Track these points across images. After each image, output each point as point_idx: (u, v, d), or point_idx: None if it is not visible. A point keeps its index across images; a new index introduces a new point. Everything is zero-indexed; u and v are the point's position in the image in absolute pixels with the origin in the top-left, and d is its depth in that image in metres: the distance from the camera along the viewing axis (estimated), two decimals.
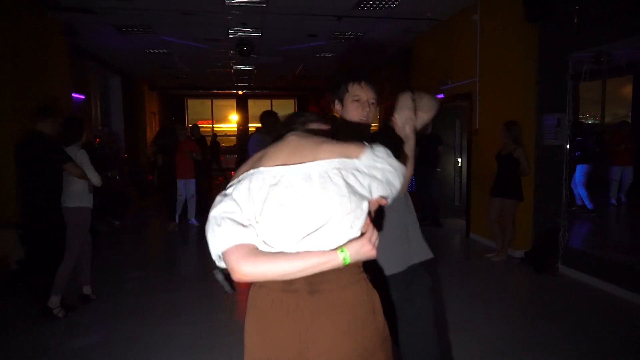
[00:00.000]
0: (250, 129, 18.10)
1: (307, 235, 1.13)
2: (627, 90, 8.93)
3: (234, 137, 18.75)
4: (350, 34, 7.82)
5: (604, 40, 4.30)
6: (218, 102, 18.84)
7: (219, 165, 12.45)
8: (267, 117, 5.22)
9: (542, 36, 5.17)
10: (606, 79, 6.80)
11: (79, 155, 3.74)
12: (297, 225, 1.13)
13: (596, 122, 9.64)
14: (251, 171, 1.22)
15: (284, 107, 19.19)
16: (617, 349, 3.15)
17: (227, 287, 3.84)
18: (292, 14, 6.56)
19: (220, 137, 18.11)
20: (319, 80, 13.69)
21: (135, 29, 7.32)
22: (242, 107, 18.67)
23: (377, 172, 1.19)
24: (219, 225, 1.14)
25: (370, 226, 1.16)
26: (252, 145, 5.13)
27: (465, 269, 5.37)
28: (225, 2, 6.00)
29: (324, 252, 1.10)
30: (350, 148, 1.21)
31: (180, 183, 7.07)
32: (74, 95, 7.37)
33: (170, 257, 6.06)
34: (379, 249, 1.16)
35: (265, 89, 16.69)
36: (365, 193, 1.17)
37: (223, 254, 1.14)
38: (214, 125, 18.65)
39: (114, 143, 9.61)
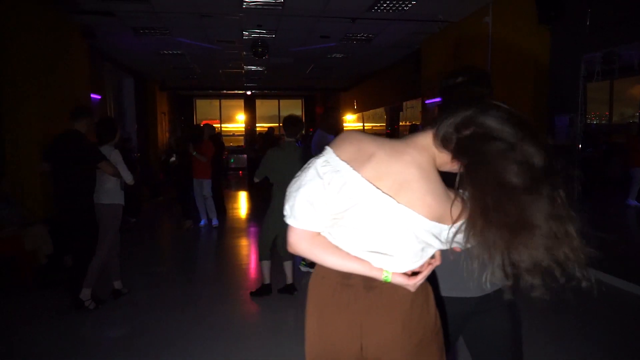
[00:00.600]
0: (257, 129, 18.26)
1: (371, 252, 1.20)
2: (635, 90, 9.02)
3: (241, 137, 18.91)
4: (362, 36, 7.95)
5: (615, 42, 4.41)
6: (226, 102, 19.00)
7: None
8: (331, 112, 5.20)
9: (554, 38, 5.28)
10: (615, 79, 6.89)
11: (113, 155, 3.89)
12: (369, 242, 1.20)
13: (602, 122, 9.73)
14: (352, 173, 1.16)
15: (292, 107, 19.34)
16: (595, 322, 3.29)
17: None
18: (307, 15, 6.70)
19: (228, 137, 18.31)
20: (326, 80, 13.83)
21: (152, 31, 7.47)
22: (249, 107, 18.83)
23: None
24: (299, 203, 1.19)
25: (425, 271, 1.21)
26: (315, 141, 4.88)
27: None
28: (243, 5, 6.14)
29: (373, 267, 1.19)
30: (448, 210, 1.15)
31: (195, 183, 7.17)
32: (92, 95, 7.53)
33: (188, 253, 6.21)
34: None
35: (274, 89, 16.83)
36: (438, 245, 1.22)
37: (290, 227, 1.22)
38: (222, 125, 18.79)
39: (128, 142, 9.78)
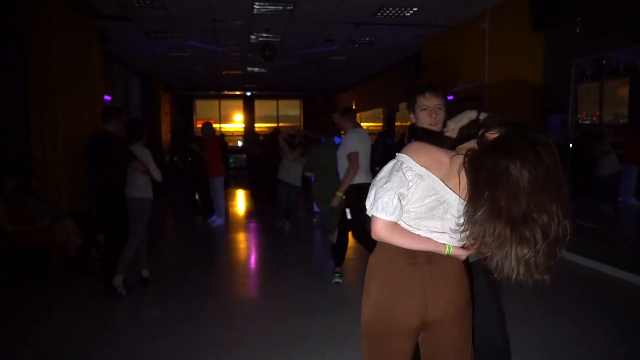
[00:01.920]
0: (256, 129, 18.58)
1: (433, 232, 1.55)
2: (623, 91, 9.43)
3: (239, 137, 19.19)
4: (365, 39, 8.31)
5: (604, 49, 4.80)
6: (225, 103, 19.28)
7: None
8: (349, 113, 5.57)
9: (548, 44, 5.67)
10: (604, 81, 7.29)
11: (144, 154, 4.20)
12: (433, 225, 1.52)
13: (593, 122, 10.14)
14: (432, 177, 1.47)
15: (290, 108, 19.67)
16: (580, 301, 3.67)
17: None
18: (314, 20, 7.05)
19: (227, 137, 18.62)
20: (325, 81, 14.18)
21: (164, 35, 7.78)
22: (248, 107, 19.13)
23: None
24: (388, 200, 1.46)
25: (476, 245, 1.47)
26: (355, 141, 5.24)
27: None
28: (253, 11, 6.47)
29: (438, 243, 1.54)
30: None
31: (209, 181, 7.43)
32: (105, 97, 7.83)
33: (202, 246, 6.52)
34: None
35: (273, 89, 17.14)
36: None
37: (374, 216, 1.52)
38: (221, 125, 19.06)
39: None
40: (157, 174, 4.25)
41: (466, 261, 1.67)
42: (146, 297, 4.27)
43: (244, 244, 6.59)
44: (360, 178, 4.30)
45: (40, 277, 4.64)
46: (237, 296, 4.34)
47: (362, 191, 4.15)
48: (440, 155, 1.50)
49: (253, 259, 5.73)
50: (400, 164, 1.51)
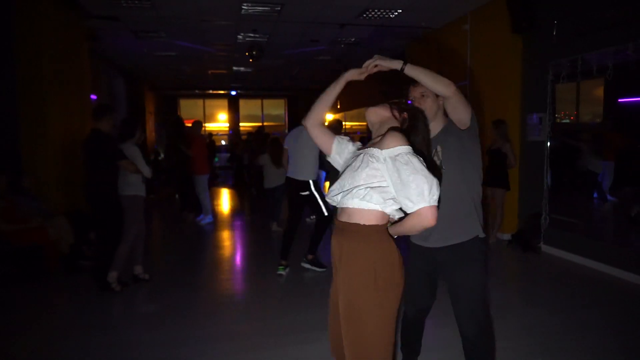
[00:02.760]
0: (241, 128, 18.63)
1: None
2: (599, 91, 9.82)
3: (222, 137, 19.20)
4: (350, 40, 8.48)
5: (579, 51, 5.05)
6: (210, 102, 19.26)
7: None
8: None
9: (526, 45, 5.92)
10: (580, 81, 7.58)
11: (133, 152, 4.26)
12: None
13: (571, 120, 10.52)
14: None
15: (275, 107, 19.76)
16: (584, 300, 3.91)
17: (318, 269, 4.65)
18: (300, 21, 7.18)
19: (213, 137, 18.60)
20: (310, 81, 14.31)
21: (151, 34, 7.82)
22: (233, 106, 19.15)
23: None
24: (434, 187, 1.64)
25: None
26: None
27: None
28: (241, 11, 6.58)
29: None
30: None
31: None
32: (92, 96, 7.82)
33: (193, 244, 6.61)
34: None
35: (258, 89, 17.21)
36: None
37: (431, 207, 1.63)
38: (205, 125, 19.04)
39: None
40: (146, 171, 4.31)
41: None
42: (139, 293, 4.36)
43: (232, 241, 6.70)
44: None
45: (33, 275, 4.68)
46: (227, 291, 4.47)
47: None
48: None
49: (242, 255, 5.86)
50: (410, 154, 1.68)
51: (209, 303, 4.07)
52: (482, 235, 2.24)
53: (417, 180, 1.61)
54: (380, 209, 1.72)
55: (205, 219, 7.61)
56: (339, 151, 2.00)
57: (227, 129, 19.33)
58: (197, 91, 17.09)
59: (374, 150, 1.72)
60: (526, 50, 5.94)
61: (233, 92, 17.70)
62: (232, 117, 19.18)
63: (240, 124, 19.20)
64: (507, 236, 6.10)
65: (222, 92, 17.58)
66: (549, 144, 5.60)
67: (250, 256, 5.86)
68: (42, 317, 3.79)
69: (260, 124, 19.23)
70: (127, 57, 9.83)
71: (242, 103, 19.43)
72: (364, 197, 1.69)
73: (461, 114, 2.12)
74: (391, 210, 1.73)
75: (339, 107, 15.61)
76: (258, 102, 19.66)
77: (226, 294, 4.35)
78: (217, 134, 19.22)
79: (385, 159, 1.68)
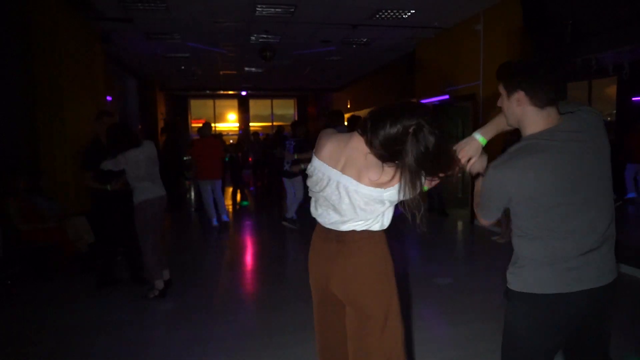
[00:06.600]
0: (251, 128, 18.71)
1: None
2: (611, 90, 9.74)
3: (234, 137, 19.27)
4: (361, 40, 8.50)
5: (592, 51, 5.02)
6: (220, 102, 19.38)
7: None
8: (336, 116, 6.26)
9: (538, 46, 5.89)
10: (592, 80, 7.55)
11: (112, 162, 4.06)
12: None
13: None
14: None
15: (285, 107, 19.82)
16: None
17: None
18: (312, 22, 7.21)
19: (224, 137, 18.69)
20: (320, 81, 14.35)
21: (164, 36, 7.90)
22: (243, 106, 19.24)
23: None
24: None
25: None
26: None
27: (475, 249, 6.10)
28: (256, 13, 6.63)
29: None
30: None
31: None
32: (107, 98, 7.94)
33: (202, 244, 6.67)
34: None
35: (268, 89, 17.28)
36: None
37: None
38: (216, 125, 19.15)
39: None
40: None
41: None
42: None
43: (245, 241, 6.76)
44: None
45: (51, 274, 4.76)
46: (238, 290, 4.53)
47: None
48: None
49: (255, 255, 5.91)
50: None
51: (224, 302, 4.12)
52: None
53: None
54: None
55: (223, 217, 7.52)
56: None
57: (237, 129, 19.43)
58: (207, 92, 17.19)
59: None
60: (538, 50, 5.91)
61: (243, 93, 17.77)
62: (242, 117, 19.27)
63: (251, 124, 19.29)
64: None
65: (232, 92, 17.66)
66: None
67: (261, 255, 5.90)
68: (57, 315, 3.85)
69: (270, 123, 19.32)
70: (140, 59, 9.94)
71: (252, 103, 19.51)
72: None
73: None
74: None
75: (349, 106, 15.64)
76: (268, 102, 19.74)
77: (236, 293, 4.40)
78: (227, 134, 19.33)
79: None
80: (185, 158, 10.16)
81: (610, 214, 1.56)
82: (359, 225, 1.71)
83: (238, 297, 4.30)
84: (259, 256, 5.91)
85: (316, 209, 1.81)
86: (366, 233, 1.73)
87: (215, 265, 5.41)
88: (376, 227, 1.73)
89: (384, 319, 1.73)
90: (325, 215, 1.76)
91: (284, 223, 7.06)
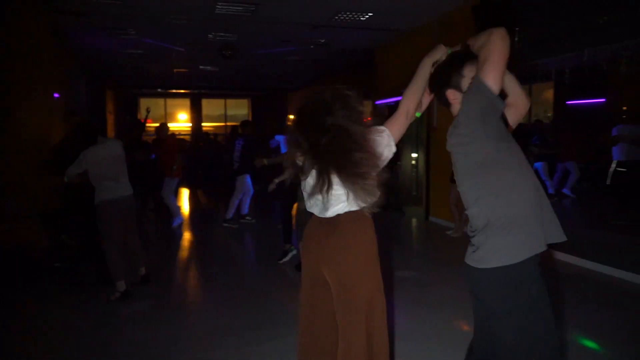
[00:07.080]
0: (204, 128, 18.38)
1: None
2: (549, 93, 10.51)
3: (186, 136, 18.83)
4: (320, 41, 8.64)
5: (536, 57, 5.44)
6: (171, 102, 18.90)
7: None
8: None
9: None
10: (533, 84, 8.11)
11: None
12: None
13: (522, 121, 11.22)
14: None
15: (238, 107, 19.63)
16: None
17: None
18: (272, 22, 7.27)
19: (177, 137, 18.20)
20: (276, 80, 14.37)
21: (119, 31, 7.67)
22: (195, 106, 18.88)
23: None
24: None
25: None
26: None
27: (432, 243, 6.40)
28: (216, 11, 6.60)
29: None
30: None
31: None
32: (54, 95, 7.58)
33: (168, 246, 6.56)
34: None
35: (222, 88, 17.07)
36: None
37: None
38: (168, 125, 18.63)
39: None
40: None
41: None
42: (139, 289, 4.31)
43: (206, 240, 6.72)
44: None
45: (11, 276, 4.54)
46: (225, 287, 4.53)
47: None
48: None
49: (215, 253, 5.91)
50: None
51: (194, 300, 4.11)
52: None
53: None
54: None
55: (176, 221, 7.45)
56: None
57: (189, 128, 19.02)
58: (159, 90, 16.74)
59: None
60: None
61: (196, 91, 17.45)
62: (195, 117, 18.90)
63: (203, 124, 18.95)
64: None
65: (184, 91, 17.30)
66: None
67: (223, 253, 5.90)
68: (19, 318, 3.71)
69: (223, 123, 19.07)
70: (92, 55, 9.56)
71: (205, 102, 19.17)
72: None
73: None
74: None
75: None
76: (221, 101, 19.46)
77: (224, 290, 4.40)
78: (179, 134, 18.86)
79: None
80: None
81: None
82: (339, 209, 1.87)
83: (207, 296, 4.30)
84: (224, 255, 5.90)
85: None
86: (352, 215, 1.87)
87: (179, 266, 5.36)
88: (354, 207, 1.87)
89: (369, 298, 1.87)
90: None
91: (225, 225, 7.26)
